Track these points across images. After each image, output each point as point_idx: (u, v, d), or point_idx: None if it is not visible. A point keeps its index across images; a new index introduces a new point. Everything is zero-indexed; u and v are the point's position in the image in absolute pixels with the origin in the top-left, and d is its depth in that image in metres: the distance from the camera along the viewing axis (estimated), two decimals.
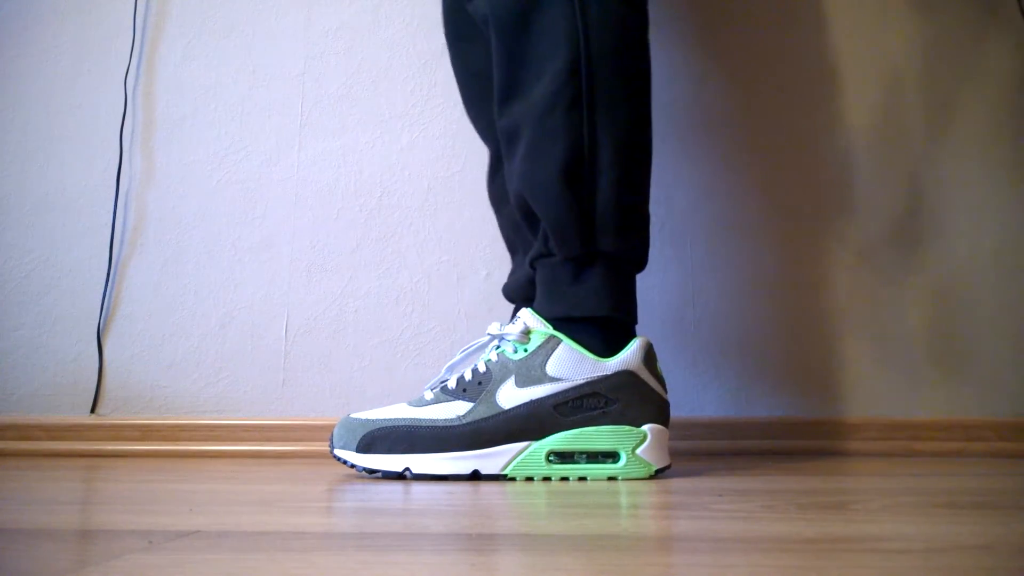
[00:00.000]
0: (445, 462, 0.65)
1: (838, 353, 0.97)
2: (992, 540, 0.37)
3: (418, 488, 0.60)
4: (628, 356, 0.67)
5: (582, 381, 0.66)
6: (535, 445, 0.65)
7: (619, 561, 0.33)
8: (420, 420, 0.66)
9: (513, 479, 0.65)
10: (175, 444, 0.94)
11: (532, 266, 0.73)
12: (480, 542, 0.38)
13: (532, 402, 0.66)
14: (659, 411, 0.67)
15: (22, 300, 1.01)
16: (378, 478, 0.67)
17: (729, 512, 0.46)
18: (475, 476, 0.65)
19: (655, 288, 0.98)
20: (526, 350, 0.67)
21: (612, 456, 0.66)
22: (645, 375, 0.67)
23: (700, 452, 0.91)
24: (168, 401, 0.98)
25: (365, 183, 1.02)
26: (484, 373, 0.67)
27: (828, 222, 1.00)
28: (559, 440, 0.65)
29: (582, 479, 0.65)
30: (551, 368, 0.66)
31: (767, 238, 0.99)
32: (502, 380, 0.66)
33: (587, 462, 0.66)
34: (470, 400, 0.66)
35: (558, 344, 0.67)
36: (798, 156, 1.01)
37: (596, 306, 0.68)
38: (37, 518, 0.45)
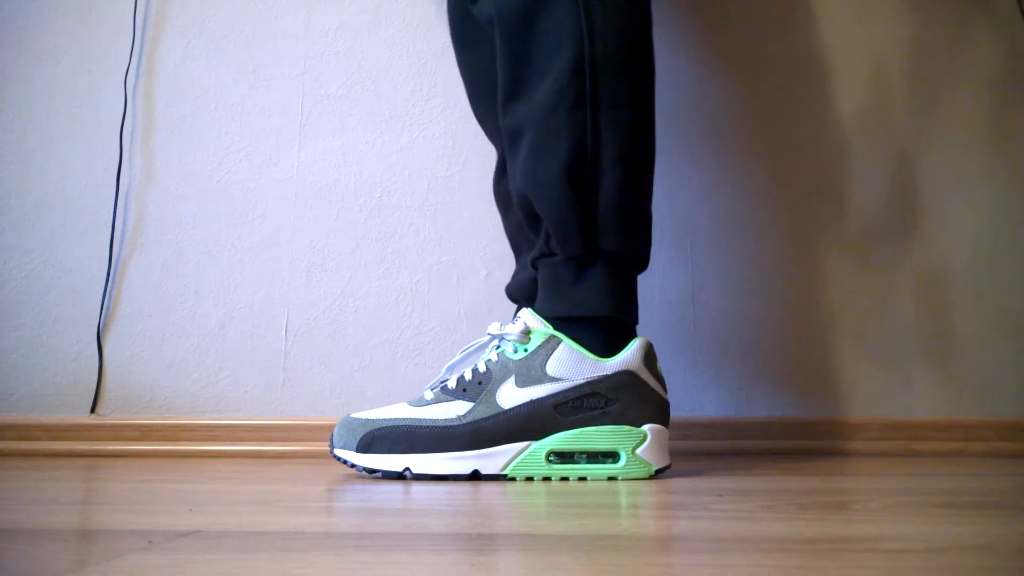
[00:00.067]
0: (445, 462, 0.65)
1: (838, 353, 0.97)
2: (992, 540, 0.37)
3: (418, 488, 0.60)
4: (628, 356, 0.67)
5: (582, 381, 0.66)
6: (535, 445, 0.66)
7: (619, 561, 0.33)
8: (420, 420, 0.66)
9: (513, 479, 0.65)
10: (175, 444, 0.94)
11: (534, 266, 0.73)
12: (480, 542, 0.38)
13: (532, 402, 0.66)
14: (659, 411, 0.67)
15: (22, 300, 1.01)
16: (378, 478, 0.67)
17: (729, 512, 0.46)
18: (475, 476, 0.65)
19: (655, 288, 0.98)
20: (526, 350, 0.67)
21: (612, 456, 0.66)
22: (645, 375, 0.67)
23: (700, 452, 0.91)
24: (168, 401, 0.98)
25: (365, 183, 1.02)
26: (484, 373, 0.67)
27: (828, 223, 1.00)
28: (559, 440, 0.65)
29: (582, 479, 0.65)
30: (551, 368, 0.66)
31: (767, 238, 0.99)
32: (502, 380, 0.66)
33: (587, 462, 0.66)
34: (470, 400, 0.66)
35: (558, 344, 0.67)
36: (799, 157, 1.01)
37: (597, 306, 0.68)
38: (37, 518, 0.45)
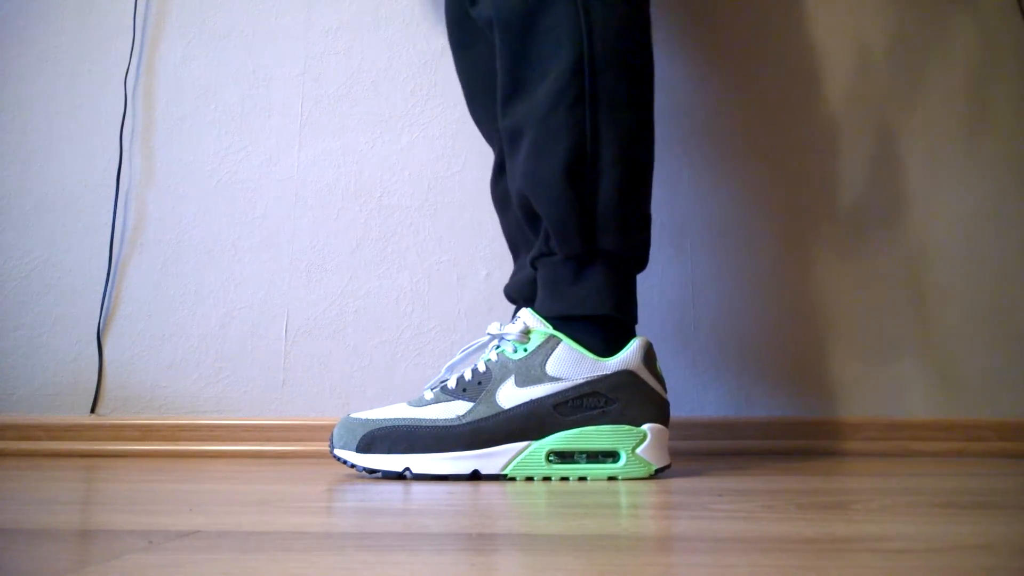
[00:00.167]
0: (445, 462, 0.65)
1: (838, 353, 0.97)
2: (992, 540, 0.37)
3: (418, 488, 0.60)
4: (628, 356, 0.67)
5: (582, 381, 0.66)
6: (535, 445, 0.66)
7: (619, 561, 0.33)
8: (420, 420, 0.66)
9: (513, 479, 0.65)
10: (175, 444, 0.94)
11: (533, 265, 0.73)
12: (480, 542, 0.38)
13: (532, 402, 0.66)
14: (659, 411, 0.67)
15: (22, 300, 1.01)
16: (378, 478, 0.67)
17: (729, 512, 0.46)
18: (475, 476, 0.65)
19: (655, 288, 0.98)
20: (526, 350, 0.67)
21: (612, 456, 0.66)
22: (645, 375, 0.67)
23: (700, 452, 0.91)
24: (168, 401, 0.98)
25: (365, 183, 1.02)
26: (484, 373, 0.67)
27: (828, 223, 1.00)
28: (559, 440, 0.65)
29: (582, 479, 0.65)
30: (551, 368, 0.66)
31: (768, 238, 0.99)
32: (502, 380, 0.66)
33: (587, 462, 0.66)
34: (470, 400, 0.66)
35: (558, 344, 0.67)
36: (799, 158, 1.01)
37: (597, 305, 0.68)
38: (37, 518, 0.45)
